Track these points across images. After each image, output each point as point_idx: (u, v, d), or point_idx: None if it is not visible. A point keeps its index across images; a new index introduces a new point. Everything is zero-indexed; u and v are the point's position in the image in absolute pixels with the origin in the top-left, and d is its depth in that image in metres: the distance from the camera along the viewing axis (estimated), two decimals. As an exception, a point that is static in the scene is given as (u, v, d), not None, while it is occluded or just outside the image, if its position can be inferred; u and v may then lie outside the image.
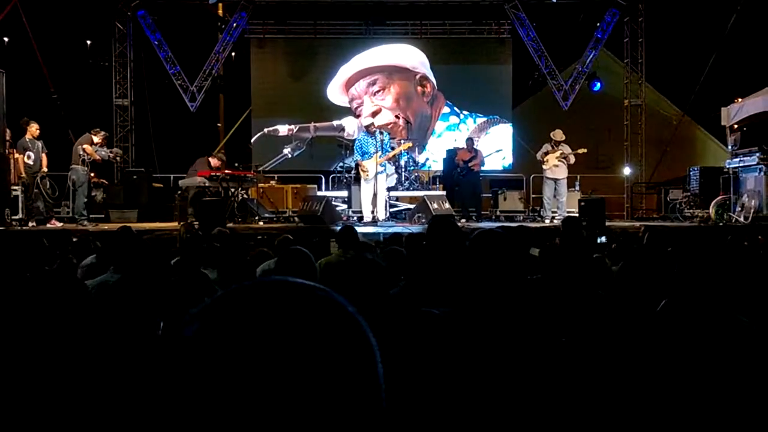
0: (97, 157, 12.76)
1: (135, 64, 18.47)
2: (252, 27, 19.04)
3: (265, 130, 16.83)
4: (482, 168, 14.60)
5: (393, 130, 16.08)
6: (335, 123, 15.84)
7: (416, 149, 15.48)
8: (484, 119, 19.08)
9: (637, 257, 3.31)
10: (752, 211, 13.05)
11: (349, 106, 18.68)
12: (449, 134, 19.13)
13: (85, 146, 12.59)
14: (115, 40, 18.29)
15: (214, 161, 14.36)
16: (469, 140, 14.95)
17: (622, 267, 3.02)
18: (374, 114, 18.20)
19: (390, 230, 11.24)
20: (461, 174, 14.33)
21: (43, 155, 12.60)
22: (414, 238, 6.71)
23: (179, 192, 14.01)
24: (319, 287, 0.75)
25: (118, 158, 14.32)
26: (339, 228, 6.80)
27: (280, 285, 0.74)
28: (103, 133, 13.09)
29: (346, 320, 0.73)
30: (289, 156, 16.25)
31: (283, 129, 16.60)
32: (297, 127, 16.50)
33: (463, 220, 13.57)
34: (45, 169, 12.68)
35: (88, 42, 18.10)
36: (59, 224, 12.53)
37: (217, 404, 0.66)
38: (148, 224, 12.99)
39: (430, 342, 1.64)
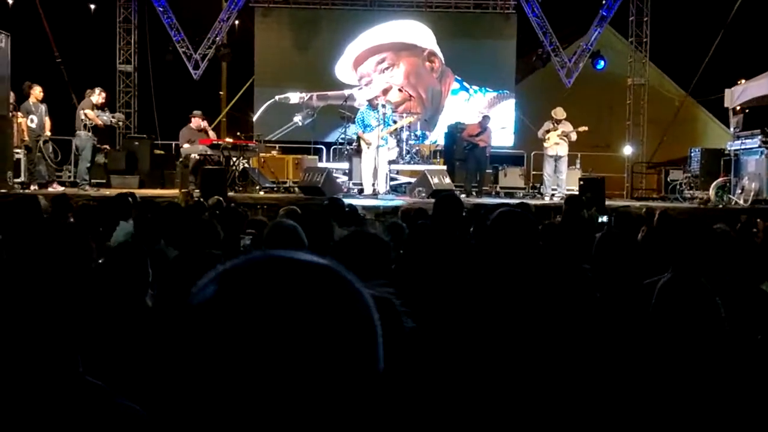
0: (99, 122, 12.74)
1: (139, 30, 18.37)
2: (257, -5, 18.91)
3: (276, 97, 16.78)
4: (490, 144, 14.63)
5: (407, 108, 16.03)
6: (346, 92, 15.80)
7: (418, 124, 15.44)
8: (495, 94, 19.00)
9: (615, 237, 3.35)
10: (752, 193, 13.09)
11: (358, 84, 18.56)
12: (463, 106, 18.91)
13: (86, 111, 12.57)
14: (119, 5, 18.17)
15: (194, 122, 13.92)
16: (486, 117, 14.90)
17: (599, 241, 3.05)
18: (385, 92, 18.14)
19: (390, 203, 11.29)
20: (467, 149, 14.35)
21: (47, 119, 12.60)
22: (409, 213, 6.76)
23: (180, 159, 14.01)
24: (326, 263, 0.80)
25: (120, 123, 14.24)
26: (325, 203, 6.81)
27: (292, 260, 0.79)
28: (99, 90, 12.92)
29: (352, 296, 0.78)
30: (300, 124, 16.25)
31: (294, 97, 16.56)
32: (308, 96, 16.45)
33: (463, 195, 13.61)
34: (48, 133, 12.69)
35: (92, 6, 17.99)
36: (60, 188, 12.57)
37: (230, 364, 0.71)
38: (149, 191, 13.04)
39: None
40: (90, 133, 12.66)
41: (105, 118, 12.90)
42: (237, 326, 0.72)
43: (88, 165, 12.79)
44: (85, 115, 12.54)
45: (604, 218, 7.80)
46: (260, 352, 0.71)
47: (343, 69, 18.70)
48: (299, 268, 0.77)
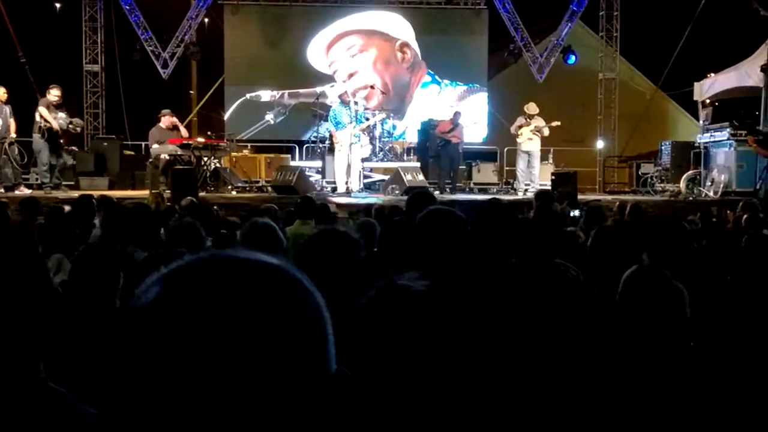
0: (55, 126, 12.30)
1: (105, 29, 18.12)
2: (225, -7, 18.75)
3: (248, 95, 16.64)
4: (463, 140, 14.63)
5: (367, 97, 15.95)
6: (318, 90, 15.68)
7: (391, 117, 15.41)
8: (465, 87, 19.00)
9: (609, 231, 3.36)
10: (722, 185, 13.24)
11: (328, 72, 18.46)
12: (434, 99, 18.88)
13: (41, 110, 12.27)
14: (85, 4, 17.90)
15: (165, 121, 13.68)
16: (457, 113, 14.88)
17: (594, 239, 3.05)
18: (350, 76, 18.07)
19: (363, 201, 11.24)
20: (439, 145, 14.34)
21: (11, 121, 12.36)
22: (383, 211, 6.73)
23: (150, 160, 13.84)
24: (275, 262, 0.78)
25: (78, 129, 13.59)
26: (298, 200, 6.79)
27: (239, 260, 0.76)
28: (52, 87, 12.52)
29: (301, 297, 0.76)
30: (272, 122, 16.12)
31: (265, 95, 16.42)
32: (280, 93, 16.33)
33: (437, 192, 13.59)
34: (13, 135, 12.45)
35: (58, 5, 17.73)
36: (28, 191, 12.35)
37: (175, 367, 0.69)
38: (118, 192, 12.85)
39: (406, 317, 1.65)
40: (43, 137, 12.28)
41: (62, 121, 12.49)
42: (181, 328, 0.70)
43: (45, 167, 12.50)
44: (40, 115, 12.25)
45: (576, 212, 7.82)
46: (205, 355, 0.69)
47: (316, 53, 18.57)
48: (246, 267, 0.75)
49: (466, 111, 17.95)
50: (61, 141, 12.82)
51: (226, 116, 18.05)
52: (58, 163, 12.91)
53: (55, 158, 12.78)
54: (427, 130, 15.61)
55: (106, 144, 15.66)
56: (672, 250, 3.41)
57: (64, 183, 13.22)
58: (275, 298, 0.73)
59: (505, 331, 2.59)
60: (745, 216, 7.03)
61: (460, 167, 15.39)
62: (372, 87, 16.44)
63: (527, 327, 2.71)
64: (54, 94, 12.51)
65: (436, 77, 19.00)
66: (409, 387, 1.59)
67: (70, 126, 12.87)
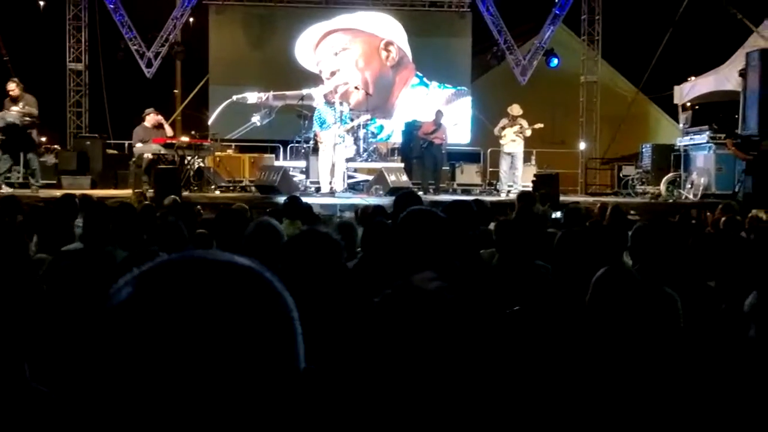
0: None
1: (89, 28, 18.03)
2: (210, -7, 18.70)
3: (234, 97, 16.59)
4: (446, 141, 14.69)
5: (346, 94, 15.96)
6: (305, 91, 15.67)
7: (377, 118, 15.42)
8: (453, 90, 19.06)
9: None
10: (701, 188, 13.39)
11: (315, 71, 18.45)
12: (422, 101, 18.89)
13: None
14: (69, 3, 17.79)
15: (150, 120, 13.51)
16: (438, 113, 14.92)
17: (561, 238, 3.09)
18: (332, 74, 18.10)
19: (347, 201, 11.28)
20: (423, 146, 14.39)
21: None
22: (367, 212, 6.76)
23: (133, 159, 13.79)
24: (245, 263, 0.79)
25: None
26: (283, 200, 6.78)
27: (210, 261, 0.78)
28: (10, 82, 11.90)
29: (271, 297, 0.78)
30: (258, 124, 16.06)
31: (252, 97, 16.38)
32: (266, 96, 16.30)
33: (421, 193, 13.65)
34: (-4, 134, 12.32)
35: (42, 3, 17.62)
36: (9, 189, 12.26)
37: (146, 366, 0.71)
38: (101, 191, 12.81)
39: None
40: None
41: (10, 119, 11.84)
42: (151, 328, 0.71)
43: (7, 167, 12.18)
44: None
45: (558, 214, 7.90)
46: (176, 354, 0.71)
47: (303, 52, 18.56)
48: (217, 268, 0.77)
49: (451, 112, 18.03)
50: (30, 133, 12.03)
51: (211, 120, 17.97)
52: (29, 162, 12.31)
53: (11, 158, 12.16)
54: (411, 131, 15.66)
55: (88, 143, 15.57)
56: (660, 253, 3.46)
57: (45, 182, 13.07)
58: (244, 298, 0.75)
59: (487, 329, 2.65)
60: (723, 219, 7.13)
61: (444, 168, 15.46)
62: (356, 88, 16.47)
63: (508, 324, 2.77)
64: (9, 88, 11.81)
65: (424, 79, 19.06)
66: (416, 382, 1.64)
67: (26, 120, 12.01)
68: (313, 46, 18.57)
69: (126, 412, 0.71)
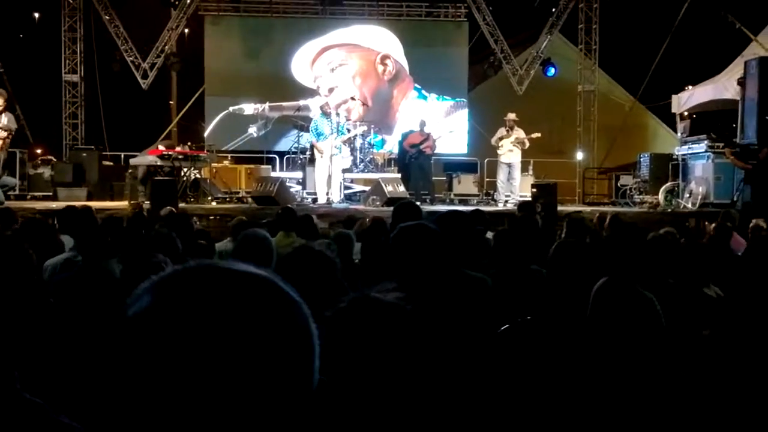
0: None
1: (85, 39, 18.01)
2: (206, 4, 18.68)
3: (231, 108, 16.55)
4: (435, 151, 14.64)
5: (348, 110, 15.94)
6: (301, 102, 15.63)
7: (371, 131, 15.39)
8: (452, 102, 19.05)
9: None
10: (700, 197, 13.35)
11: (313, 86, 18.43)
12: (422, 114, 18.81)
13: None
14: (64, 14, 17.78)
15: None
16: (422, 122, 14.91)
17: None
18: (330, 90, 18.08)
19: (344, 212, 11.20)
20: (412, 157, 14.34)
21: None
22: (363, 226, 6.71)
23: (130, 170, 13.74)
24: (264, 275, 0.79)
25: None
26: (279, 212, 6.64)
27: (228, 270, 0.77)
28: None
29: (289, 308, 0.77)
30: (255, 135, 16.00)
31: (249, 108, 16.33)
32: (263, 107, 16.25)
33: (419, 203, 13.59)
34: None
35: (37, 15, 17.60)
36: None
37: (166, 375, 0.70)
38: (97, 203, 12.73)
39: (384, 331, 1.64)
40: None
41: None
42: (173, 337, 0.71)
43: None
44: None
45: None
46: (195, 363, 0.70)
47: (299, 68, 18.56)
48: (235, 278, 0.76)
49: (449, 124, 18.03)
50: None
51: (207, 131, 17.90)
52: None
53: None
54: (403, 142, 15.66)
55: (84, 154, 15.53)
56: (636, 261, 3.43)
57: (42, 194, 12.96)
58: (265, 308, 0.74)
59: (484, 334, 2.60)
60: (713, 225, 7.05)
61: (441, 178, 15.42)
62: (352, 98, 16.43)
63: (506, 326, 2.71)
64: None
65: (423, 92, 19.04)
66: (377, 395, 1.58)
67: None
68: (310, 62, 18.56)
69: (144, 420, 0.71)
